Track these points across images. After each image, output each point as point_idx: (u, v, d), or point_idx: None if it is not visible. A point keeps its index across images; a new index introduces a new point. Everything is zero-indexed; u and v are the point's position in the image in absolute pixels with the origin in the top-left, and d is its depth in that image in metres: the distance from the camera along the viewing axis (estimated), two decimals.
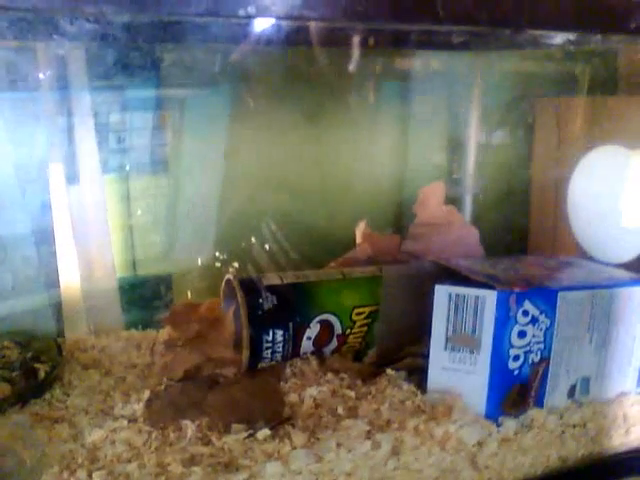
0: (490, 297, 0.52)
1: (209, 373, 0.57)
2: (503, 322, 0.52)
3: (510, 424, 0.52)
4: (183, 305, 0.63)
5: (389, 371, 0.58)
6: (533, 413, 0.54)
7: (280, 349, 0.58)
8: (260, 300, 0.58)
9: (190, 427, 0.49)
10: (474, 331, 0.52)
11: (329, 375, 0.58)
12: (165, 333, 0.66)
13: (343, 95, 0.78)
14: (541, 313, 0.53)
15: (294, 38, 0.60)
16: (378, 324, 0.61)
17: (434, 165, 0.87)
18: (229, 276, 0.60)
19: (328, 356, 0.61)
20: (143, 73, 0.68)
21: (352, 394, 0.55)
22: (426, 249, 0.71)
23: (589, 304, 0.55)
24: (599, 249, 0.72)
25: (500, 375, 0.53)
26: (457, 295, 0.53)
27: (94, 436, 0.48)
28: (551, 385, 0.55)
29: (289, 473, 0.46)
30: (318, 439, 0.49)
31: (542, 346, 0.53)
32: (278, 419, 0.51)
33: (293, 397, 0.55)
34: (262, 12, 0.41)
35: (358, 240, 0.73)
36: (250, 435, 0.49)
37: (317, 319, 0.59)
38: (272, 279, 0.60)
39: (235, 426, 0.50)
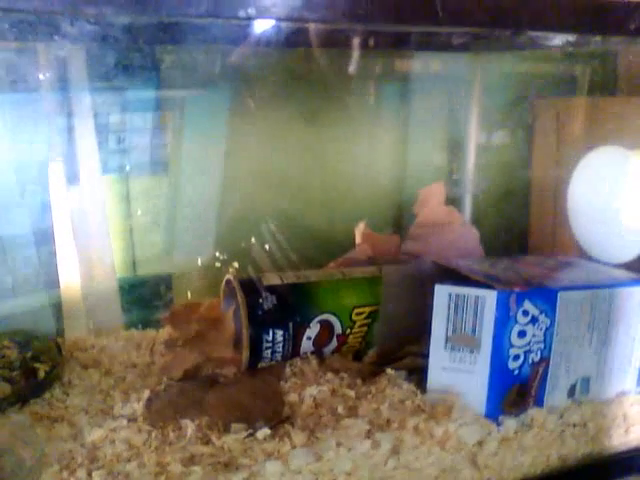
0: (490, 297, 0.52)
1: (209, 373, 0.58)
2: (503, 322, 0.52)
3: (510, 423, 0.52)
4: (183, 305, 0.63)
5: (389, 371, 0.58)
6: (533, 412, 0.54)
7: (280, 349, 0.58)
8: (260, 300, 0.58)
9: (190, 426, 0.49)
10: (474, 331, 0.52)
11: (329, 375, 0.58)
12: (165, 333, 0.67)
13: (343, 96, 0.78)
14: (541, 313, 0.53)
15: (294, 39, 0.60)
16: (378, 324, 0.61)
17: (434, 166, 0.87)
18: (229, 276, 0.60)
19: (328, 356, 0.61)
20: (143, 74, 0.68)
21: (352, 394, 0.55)
22: (426, 249, 0.71)
23: (589, 304, 0.55)
24: (599, 249, 0.72)
25: (500, 375, 0.53)
26: (457, 295, 0.53)
27: (94, 435, 0.48)
28: (551, 385, 0.55)
29: (289, 472, 0.46)
30: (318, 438, 0.49)
31: (542, 346, 0.53)
32: (278, 418, 0.51)
33: (293, 397, 0.55)
34: (262, 13, 0.41)
35: (358, 240, 0.73)
36: (250, 434, 0.49)
37: (317, 319, 0.59)
38: (272, 279, 0.60)
39: (235, 425, 0.50)
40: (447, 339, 0.53)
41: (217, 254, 0.72)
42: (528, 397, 0.54)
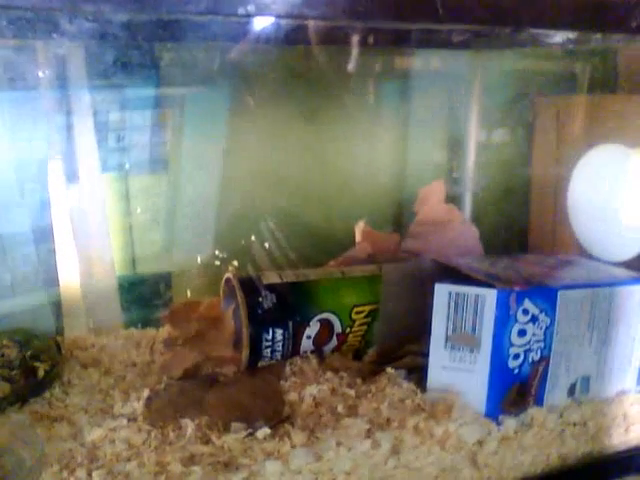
0: (490, 296, 0.52)
1: (209, 372, 0.57)
2: (503, 321, 0.52)
3: (510, 423, 0.52)
4: (183, 304, 0.63)
5: (389, 370, 0.57)
6: (533, 412, 0.54)
7: (280, 348, 0.58)
8: (260, 299, 0.58)
9: (190, 426, 0.49)
10: (474, 330, 0.52)
11: (329, 374, 0.58)
12: (165, 332, 0.66)
13: (343, 94, 0.78)
14: (541, 312, 0.53)
15: (293, 37, 0.59)
16: (378, 323, 0.61)
17: (434, 164, 0.87)
18: (229, 275, 0.60)
19: (328, 355, 0.61)
20: (142, 72, 0.68)
21: (352, 393, 0.55)
22: (426, 248, 0.71)
23: (589, 303, 0.55)
24: (599, 247, 0.72)
25: (500, 374, 0.52)
26: (457, 294, 0.53)
27: (93, 435, 0.48)
28: (551, 384, 0.55)
29: (289, 472, 0.46)
30: (318, 438, 0.49)
31: (542, 345, 0.53)
32: (278, 418, 0.51)
33: (293, 396, 0.55)
34: (262, 11, 0.41)
35: (358, 239, 0.73)
36: (250, 434, 0.49)
37: (317, 318, 0.59)
38: (272, 278, 0.60)
39: (235, 425, 0.50)
40: (447, 338, 0.53)
41: (217, 252, 0.72)
42: (528, 396, 0.54)
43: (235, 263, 0.71)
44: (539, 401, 0.54)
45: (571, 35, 0.63)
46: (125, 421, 0.50)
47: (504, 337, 0.52)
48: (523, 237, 0.84)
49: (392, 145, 0.84)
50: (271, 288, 0.59)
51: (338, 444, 0.48)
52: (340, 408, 0.53)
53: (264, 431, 0.49)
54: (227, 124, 0.74)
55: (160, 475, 0.44)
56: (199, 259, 0.73)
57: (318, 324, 0.59)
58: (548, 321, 0.53)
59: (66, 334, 0.66)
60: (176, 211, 0.74)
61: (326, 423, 0.51)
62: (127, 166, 0.71)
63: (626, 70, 0.76)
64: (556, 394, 0.55)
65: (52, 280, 0.66)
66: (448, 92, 0.85)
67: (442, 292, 0.53)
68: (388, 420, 0.51)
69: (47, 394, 0.55)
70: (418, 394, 0.54)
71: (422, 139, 0.85)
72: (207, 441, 0.48)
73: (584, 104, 0.78)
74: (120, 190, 0.71)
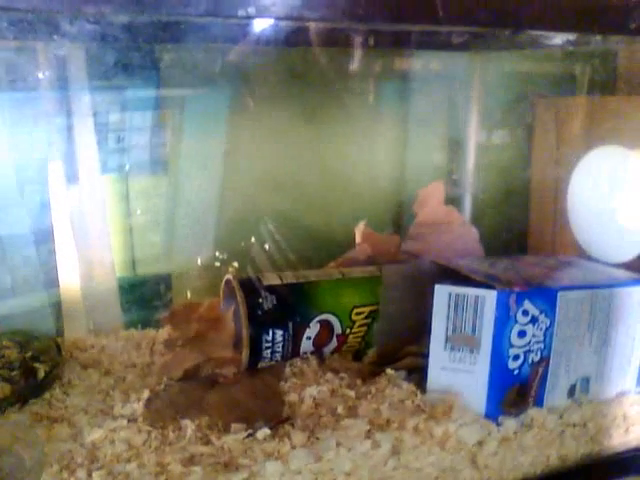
0: (490, 297, 0.52)
1: (209, 373, 0.57)
2: (503, 322, 0.52)
3: (510, 423, 0.52)
4: (183, 305, 0.63)
5: (389, 371, 0.58)
6: (533, 412, 0.54)
7: (280, 349, 0.58)
8: (260, 300, 0.58)
9: (190, 427, 0.49)
10: (474, 331, 0.52)
11: (329, 375, 0.58)
12: (165, 333, 0.66)
13: (343, 95, 0.78)
14: (541, 313, 0.53)
15: (294, 38, 0.60)
16: (378, 324, 0.61)
17: (434, 165, 0.87)
18: (229, 276, 0.60)
19: (328, 356, 0.61)
20: (142, 73, 0.68)
21: (352, 394, 0.55)
22: (426, 249, 0.71)
23: (589, 304, 0.55)
24: (599, 249, 0.72)
25: (500, 375, 0.53)
26: (457, 295, 0.53)
27: (94, 436, 0.48)
28: (551, 384, 0.55)
29: (289, 472, 0.46)
30: (318, 439, 0.49)
31: (542, 346, 0.53)
32: (278, 419, 0.51)
33: (293, 397, 0.55)
34: (262, 13, 0.41)
35: (358, 240, 0.73)
36: (250, 435, 0.49)
37: (317, 319, 0.59)
38: (272, 279, 0.60)
39: (235, 426, 0.50)
40: (447, 339, 0.53)
41: (217, 254, 0.72)
42: (528, 397, 0.54)
43: (235, 264, 0.71)
44: (539, 402, 0.54)
45: (571, 36, 0.63)
46: (125, 422, 0.50)
47: (504, 338, 0.52)
48: (523, 238, 0.84)
49: (392, 147, 0.84)
50: (271, 289, 0.59)
51: (338, 445, 0.48)
52: (340, 409, 0.53)
53: (264, 432, 0.49)
54: (227, 125, 0.74)
55: (160, 476, 0.45)
56: (199, 260, 0.73)
57: (318, 325, 0.59)
58: (548, 322, 0.53)
59: (66, 335, 0.66)
60: (176, 212, 0.74)
61: (326, 424, 0.51)
62: (127, 167, 0.71)
63: (626, 71, 0.76)
64: (556, 395, 0.55)
65: (52, 281, 0.66)
66: (448, 93, 0.85)
67: (442, 293, 0.53)
68: (388, 421, 0.51)
69: (47, 395, 0.55)
70: (418, 395, 0.54)
71: (422, 140, 0.85)
72: (207, 442, 0.48)
73: (584, 105, 0.78)
74: (120, 191, 0.71)
